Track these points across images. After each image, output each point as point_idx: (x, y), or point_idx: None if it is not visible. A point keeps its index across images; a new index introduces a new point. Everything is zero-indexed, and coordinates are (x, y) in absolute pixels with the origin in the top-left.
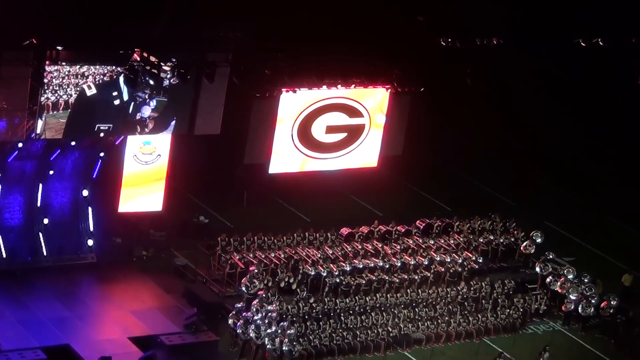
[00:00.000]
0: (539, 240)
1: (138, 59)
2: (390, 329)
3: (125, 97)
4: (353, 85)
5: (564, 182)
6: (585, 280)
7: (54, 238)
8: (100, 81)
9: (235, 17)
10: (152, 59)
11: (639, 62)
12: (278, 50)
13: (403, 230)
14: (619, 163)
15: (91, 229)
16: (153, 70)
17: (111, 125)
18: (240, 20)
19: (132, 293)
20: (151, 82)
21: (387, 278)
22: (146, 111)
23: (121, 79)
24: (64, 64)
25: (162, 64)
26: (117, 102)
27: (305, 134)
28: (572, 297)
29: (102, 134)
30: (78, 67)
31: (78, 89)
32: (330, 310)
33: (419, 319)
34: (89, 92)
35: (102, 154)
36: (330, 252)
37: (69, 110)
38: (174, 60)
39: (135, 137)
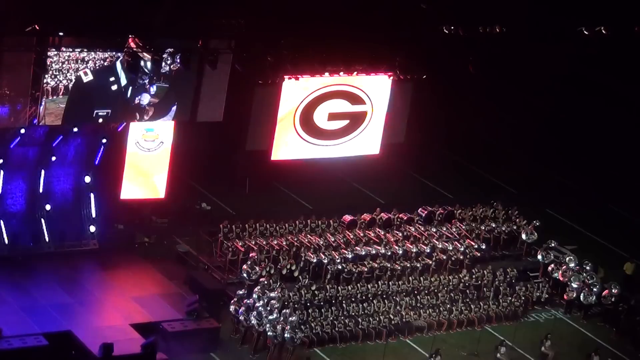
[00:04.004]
0: (537, 224)
1: (133, 45)
2: (392, 317)
3: (123, 82)
4: (355, 73)
5: (566, 169)
6: (587, 269)
7: (56, 224)
8: (100, 66)
9: (238, 3)
10: (148, 46)
11: None
12: (281, 37)
13: (405, 217)
14: (621, 151)
15: (93, 215)
16: (155, 57)
17: (109, 110)
18: (243, 7)
19: (134, 280)
20: (148, 66)
21: (389, 265)
22: (145, 99)
23: (118, 64)
24: (64, 49)
25: (156, 50)
26: (114, 87)
27: (308, 121)
28: (574, 285)
29: (100, 120)
30: (78, 51)
31: (77, 74)
32: (332, 297)
33: (420, 307)
34: (85, 79)
35: (104, 141)
36: (332, 239)
37: (68, 96)
38: (171, 48)
39: (138, 124)
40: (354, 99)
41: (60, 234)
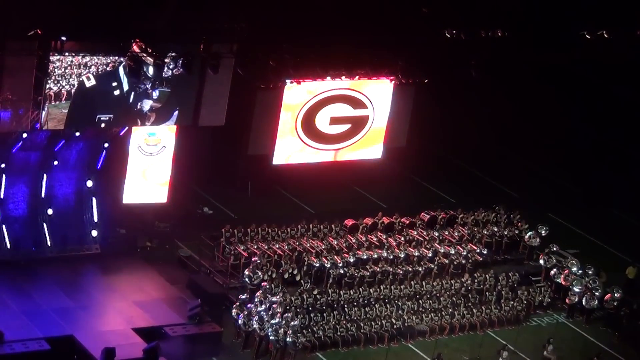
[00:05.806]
0: (544, 232)
1: (137, 50)
2: (394, 321)
3: (125, 87)
4: (357, 77)
5: (568, 174)
6: (589, 273)
7: (58, 228)
8: (102, 71)
9: (240, 8)
10: (150, 50)
11: None
12: (282, 41)
13: (407, 222)
14: (623, 155)
15: (95, 219)
16: (157, 61)
17: (112, 115)
18: (245, 12)
19: (136, 284)
20: (150, 72)
21: (391, 270)
22: (147, 105)
23: (121, 69)
24: (67, 54)
25: (158, 55)
26: (117, 92)
27: (309, 125)
28: (576, 290)
29: (102, 125)
30: (81, 56)
31: (80, 79)
32: (334, 301)
33: (422, 311)
34: (88, 83)
35: (106, 145)
36: (335, 243)
37: (70, 101)
38: (173, 53)
39: (140, 128)
40: (356, 103)
41: (62, 238)
